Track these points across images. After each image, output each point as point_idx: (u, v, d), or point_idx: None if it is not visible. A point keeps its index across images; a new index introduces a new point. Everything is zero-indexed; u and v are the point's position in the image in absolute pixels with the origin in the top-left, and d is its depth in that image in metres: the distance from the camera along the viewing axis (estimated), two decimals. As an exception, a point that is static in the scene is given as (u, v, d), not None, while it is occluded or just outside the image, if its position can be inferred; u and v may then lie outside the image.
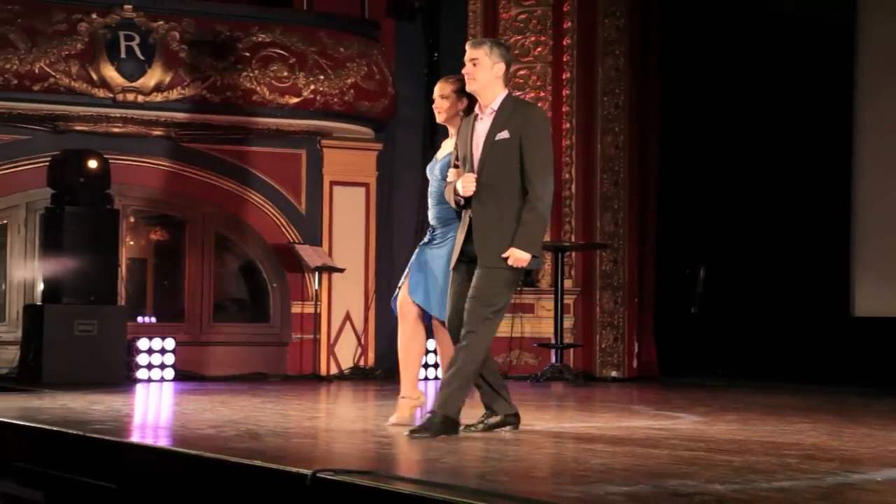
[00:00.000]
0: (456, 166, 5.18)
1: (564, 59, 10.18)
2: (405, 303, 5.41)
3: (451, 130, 5.43)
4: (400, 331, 5.46)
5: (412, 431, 4.95)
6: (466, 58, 5.16)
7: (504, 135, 5.05)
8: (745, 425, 5.81)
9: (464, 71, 5.17)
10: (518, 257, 5.03)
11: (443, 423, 4.92)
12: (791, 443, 5.00)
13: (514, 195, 5.02)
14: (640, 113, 10.14)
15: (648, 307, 10.14)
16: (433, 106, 5.46)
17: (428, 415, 5.04)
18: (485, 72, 5.09)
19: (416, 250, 5.49)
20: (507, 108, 5.10)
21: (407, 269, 5.48)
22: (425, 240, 5.48)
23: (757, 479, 3.77)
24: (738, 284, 10.04)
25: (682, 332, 10.28)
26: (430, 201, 5.48)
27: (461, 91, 5.33)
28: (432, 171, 5.49)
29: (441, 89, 5.40)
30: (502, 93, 5.14)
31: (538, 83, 10.23)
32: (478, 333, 4.99)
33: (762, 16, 9.75)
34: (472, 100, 5.25)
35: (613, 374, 9.95)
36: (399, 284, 5.51)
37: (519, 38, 10.27)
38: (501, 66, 5.13)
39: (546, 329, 9.88)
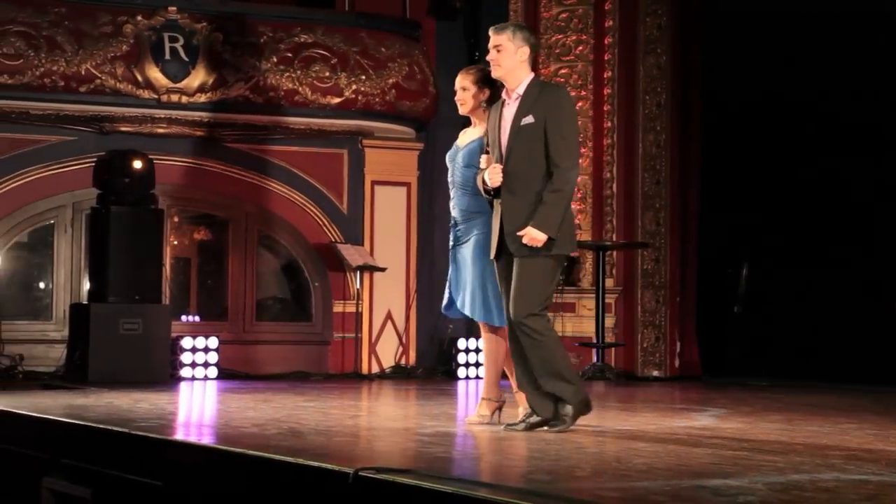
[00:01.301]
0: (487, 152, 5.15)
1: (606, 58, 10.15)
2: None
3: (474, 121, 5.41)
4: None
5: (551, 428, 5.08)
6: (490, 44, 5.13)
7: (529, 119, 5.02)
8: (788, 425, 5.76)
9: (488, 58, 5.14)
10: (533, 236, 4.96)
11: (574, 413, 5.07)
12: (835, 443, 4.95)
13: (541, 180, 4.99)
14: (682, 111, 10.09)
15: (690, 306, 10.08)
16: (455, 98, 5.42)
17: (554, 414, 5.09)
18: (509, 57, 5.06)
19: (450, 256, 5.48)
20: (533, 92, 5.06)
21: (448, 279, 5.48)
22: (451, 242, 5.46)
23: (801, 480, 3.74)
24: (782, 283, 9.96)
25: (725, 332, 10.21)
26: (453, 192, 5.45)
27: (482, 81, 5.31)
28: (454, 159, 5.44)
29: (462, 81, 5.37)
30: (528, 77, 5.09)
31: (579, 82, 10.20)
32: (530, 334, 4.98)
33: (807, 10, 9.66)
34: (494, 90, 5.24)
35: (655, 373, 9.91)
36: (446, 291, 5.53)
37: (560, 36, 10.25)
38: (525, 50, 5.08)
39: (587, 328, 9.86)
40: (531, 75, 5.12)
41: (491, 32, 5.18)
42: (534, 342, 4.99)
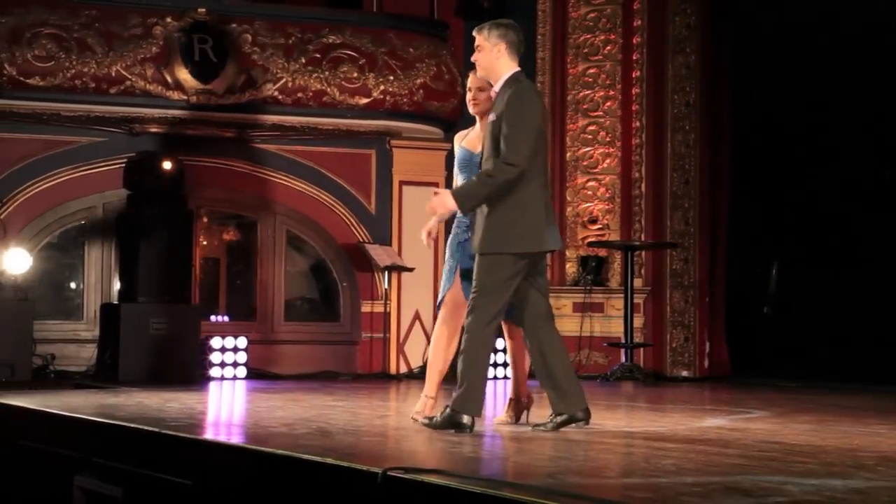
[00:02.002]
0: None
1: (634, 58, 10.13)
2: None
3: (479, 124, 5.37)
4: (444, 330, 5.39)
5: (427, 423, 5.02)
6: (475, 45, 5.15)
7: (492, 116, 5.01)
8: (819, 426, 5.72)
9: (472, 58, 5.15)
10: (440, 199, 4.95)
11: (451, 421, 4.94)
12: (867, 445, 4.91)
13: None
14: (711, 111, 10.05)
15: (720, 306, 10.04)
16: (468, 98, 5.38)
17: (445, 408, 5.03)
18: (486, 55, 5.04)
19: (457, 248, 5.40)
20: (504, 88, 5.01)
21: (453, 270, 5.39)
22: (461, 236, 5.41)
23: (832, 481, 3.72)
24: (812, 283, 9.90)
25: (755, 332, 10.16)
26: None
27: None
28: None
29: (479, 81, 5.31)
30: (506, 73, 5.02)
31: (607, 82, 10.18)
32: (467, 324, 4.97)
33: (837, 8, 9.61)
34: None
35: (684, 373, 9.88)
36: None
37: (588, 36, 10.23)
38: (501, 47, 5.02)
39: (616, 328, 9.84)
40: (511, 72, 5.03)
41: (473, 33, 5.18)
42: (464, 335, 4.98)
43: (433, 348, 5.44)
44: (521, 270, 4.96)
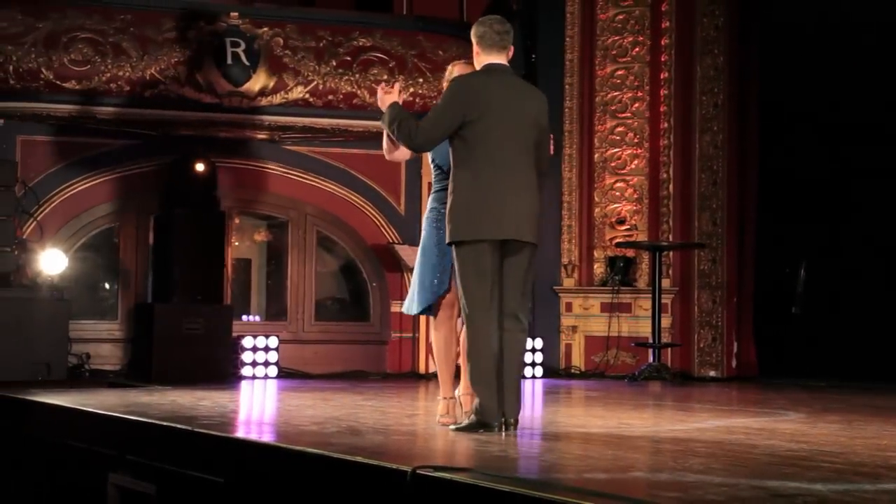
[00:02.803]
0: None
1: (662, 59, 10.13)
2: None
3: None
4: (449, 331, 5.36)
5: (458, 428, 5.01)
6: None
7: None
8: (848, 426, 5.69)
9: None
10: (382, 98, 5.10)
11: (477, 425, 4.93)
12: (896, 444, 4.92)
13: (452, 171, 4.99)
14: (739, 111, 10.04)
15: (748, 307, 10.02)
16: None
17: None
18: (474, 56, 5.11)
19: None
20: None
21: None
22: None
23: (861, 481, 3.71)
24: (840, 283, 9.86)
25: (783, 332, 10.13)
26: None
27: None
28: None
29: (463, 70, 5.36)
30: (479, 69, 5.08)
31: (636, 83, 10.19)
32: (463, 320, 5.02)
33: (866, 7, 9.56)
34: None
35: (712, 373, 9.87)
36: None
37: (616, 38, 10.24)
38: (475, 44, 5.08)
39: (643, 328, 9.85)
40: (481, 66, 5.06)
41: None
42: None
43: (436, 353, 5.44)
44: (484, 255, 4.89)
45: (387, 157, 5.53)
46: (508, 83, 5.05)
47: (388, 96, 5.11)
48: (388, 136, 5.27)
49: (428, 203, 5.41)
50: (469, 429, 4.94)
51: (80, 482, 5.62)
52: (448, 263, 5.16)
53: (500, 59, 5.06)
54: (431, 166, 5.39)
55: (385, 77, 9.61)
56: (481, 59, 5.06)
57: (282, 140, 9.83)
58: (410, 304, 5.37)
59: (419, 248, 5.39)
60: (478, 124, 4.91)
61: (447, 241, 4.99)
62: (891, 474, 3.92)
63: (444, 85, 5.34)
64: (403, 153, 5.42)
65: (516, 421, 4.98)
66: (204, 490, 4.62)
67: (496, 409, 4.90)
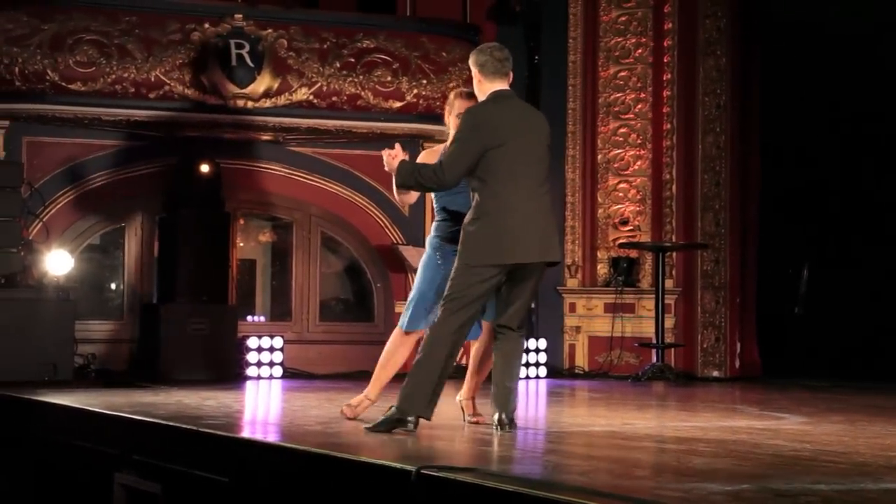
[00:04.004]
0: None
1: (665, 60, 10.14)
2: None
3: None
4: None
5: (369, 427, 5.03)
6: None
7: None
8: (851, 426, 5.70)
9: None
10: (390, 162, 5.12)
11: (393, 419, 4.98)
12: (898, 444, 4.93)
13: (475, 198, 5.07)
14: (741, 112, 10.05)
15: (750, 307, 10.04)
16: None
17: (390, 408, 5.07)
18: (474, 84, 5.21)
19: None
20: None
21: None
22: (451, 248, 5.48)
23: (864, 481, 3.72)
24: (843, 284, 9.88)
25: (786, 333, 10.14)
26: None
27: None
28: None
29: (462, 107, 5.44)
30: (483, 97, 5.17)
31: (638, 84, 10.21)
32: (432, 325, 5.10)
33: (869, 9, 9.58)
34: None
35: (715, 373, 9.88)
36: None
37: (619, 39, 10.26)
38: (475, 72, 5.18)
39: (647, 329, 9.86)
40: (485, 93, 5.15)
41: None
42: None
43: (385, 356, 5.62)
44: (492, 280, 5.00)
45: (402, 205, 5.71)
46: (517, 108, 5.19)
47: (394, 160, 5.17)
48: (400, 188, 5.34)
49: (432, 229, 5.53)
50: (382, 426, 4.99)
51: (86, 482, 5.65)
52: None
53: (503, 84, 5.17)
54: (433, 197, 5.51)
55: (388, 78, 9.63)
56: (485, 86, 5.16)
57: (286, 141, 9.86)
58: (405, 320, 5.50)
59: (420, 266, 5.49)
60: (497, 152, 5.02)
61: (464, 261, 5.03)
62: (894, 474, 3.93)
63: (447, 115, 5.49)
64: (415, 195, 5.56)
65: (512, 420, 5.04)
66: (209, 489, 4.64)
67: (419, 409, 4.99)
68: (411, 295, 5.50)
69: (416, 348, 5.33)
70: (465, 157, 5.02)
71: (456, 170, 5.03)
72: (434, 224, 5.54)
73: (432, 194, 5.50)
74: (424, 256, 5.50)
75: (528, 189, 5.05)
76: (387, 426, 4.97)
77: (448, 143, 5.29)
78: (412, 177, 5.10)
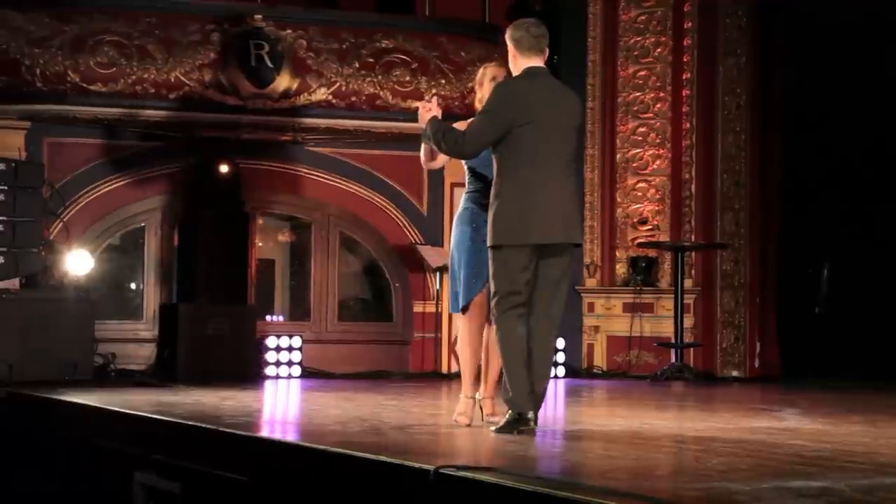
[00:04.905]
0: None
1: (684, 60, 10.12)
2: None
3: None
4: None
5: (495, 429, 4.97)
6: None
7: None
8: (871, 427, 5.68)
9: None
10: (423, 115, 5.14)
11: (514, 420, 4.92)
12: (919, 445, 4.91)
13: (495, 177, 5.02)
14: (762, 112, 10.02)
15: (770, 307, 10.01)
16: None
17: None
18: (509, 59, 5.15)
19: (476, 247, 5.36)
20: None
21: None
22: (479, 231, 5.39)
23: (885, 482, 3.70)
24: (864, 284, 9.83)
25: (806, 333, 10.10)
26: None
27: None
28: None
29: (500, 73, 5.40)
30: (517, 72, 5.10)
31: (657, 84, 10.19)
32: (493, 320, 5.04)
33: (890, 7, 9.52)
34: None
35: (734, 373, 9.86)
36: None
37: (638, 39, 10.24)
38: (511, 46, 5.12)
39: (666, 328, 9.84)
40: (519, 69, 5.09)
41: None
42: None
43: (461, 352, 5.48)
44: (525, 260, 4.92)
45: (424, 167, 5.68)
46: (550, 86, 5.10)
47: (428, 112, 5.18)
48: (428, 147, 5.34)
49: (461, 202, 5.47)
50: (506, 427, 4.93)
51: (106, 481, 5.67)
52: (484, 262, 5.18)
53: (539, 61, 5.10)
54: (465, 168, 5.44)
55: (407, 78, 9.65)
56: (519, 62, 5.09)
57: (305, 141, 9.88)
58: (453, 303, 5.40)
59: (452, 246, 5.43)
60: (525, 129, 4.95)
61: (490, 243, 5.00)
62: (914, 474, 3.91)
63: (477, 86, 5.41)
64: (440, 161, 5.52)
65: (535, 419, 4.99)
66: (229, 489, 4.66)
67: (529, 405, 4.91)
68: (453, 277, 5.39)
69: (481, 328, 5.26)
70: (491, 130, 4.97)
71: (479, 141, 4.99)
72: (464, 197, 5.45)
73: (464, 163, 5.42)
74: (456, 234, 5.40)
75: (552, 169, 4.97)
76: (511, 427, 4.91)
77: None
78: (437, 133, 5.07)
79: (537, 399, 4.96)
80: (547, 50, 5.13)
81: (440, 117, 5.20)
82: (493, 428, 5.00)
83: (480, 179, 5.35)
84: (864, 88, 9.75)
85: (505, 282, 4.93)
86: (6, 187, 8.31)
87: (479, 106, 5.43)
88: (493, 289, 4.98)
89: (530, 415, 4.89)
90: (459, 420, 5.33)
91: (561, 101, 5.09)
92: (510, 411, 4.93)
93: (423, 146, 5.42)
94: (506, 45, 5.21)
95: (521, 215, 4.91)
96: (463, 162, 5.43)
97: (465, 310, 5.32)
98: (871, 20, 9.63)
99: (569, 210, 5.01)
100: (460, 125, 5.32)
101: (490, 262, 5.01)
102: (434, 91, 9.67)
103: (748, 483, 3.59)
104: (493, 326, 5.03)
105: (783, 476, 3.79)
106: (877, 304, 9.71)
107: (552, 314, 5.01)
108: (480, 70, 5.55)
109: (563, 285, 5.06)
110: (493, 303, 4.98)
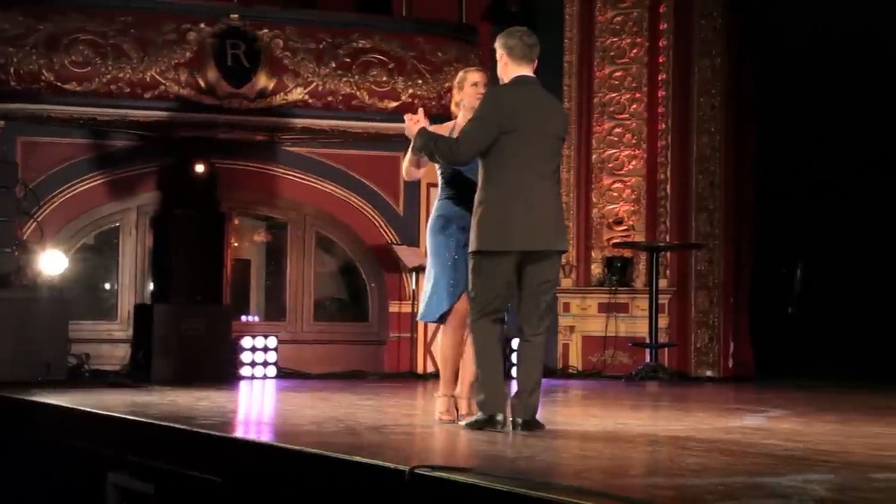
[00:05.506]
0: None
1: (660, 61, 10.16)
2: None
3: (462, 116, 5.43)
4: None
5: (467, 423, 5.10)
6: None
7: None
8: (843, 426, 5.71)
9: None
10: (410, 127, 5.16)
11: (484, 420, 5.03)
12: (892, 444, 4.92)
13: (480, 182, 5.07)
14: (736, 113, 10.08)
15: (744, 307, 10.07)
16: (474, 93, 5.41)
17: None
18: (498, 66, 5.18)
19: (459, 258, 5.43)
20: None
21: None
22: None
23: (856, 480, 3.72)
24: (837, 284, 9.90)
25: (779, 332, 10.17)
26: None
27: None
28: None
29: (486, 79, 5.45)
30: (507, 79, 5.14)
31: (633, 84, 10.23)
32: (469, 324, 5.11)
33: (863, 11, 9.60)
34: None
35: (708, 373, 9.91)
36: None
37: (615, 39, 10.28)
38: (502, 53, 5.14)
39: (641, 328, 9.88)
40: (511, 77, 5.12)
41: None
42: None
43: (441, 355, 5.51)
44: (508, 266, 4.98)
45: (407, 178, 5.69)
46: (539, 96, 5.15)
47: (416, 125, 5.21)
48: (415, 159, 5.38)
49: (434, 209, 5.51)
50: (475, 425, 5.02)
51: (80, 482, 5.64)
52: (462, 270, 5.23)
53: (529, 70, 5.14)
54: (438, 174, 5.47)
55: (384, 78, 9.66)
56: (510, 70, 5.13)
57: (281, 141, 9.86)
58: (427, 311, 5.43)
59: (429, 255, 5.47)
60: (512, 136, 5.00)
61: (472, 248, 5.03)
62: (886, 473, 3.94)
63: (455, 89, 5.47)
64: (423, 172, 5.58)
65: (525, 422, 5.04)
66: (202, 490, 4.64)
67: (500, 408, 5.00)
68: (427, 286, 5.44)
69: (462, 332, 5.31)
70: (483, 135, 5.01)
71: (473, 147, 5.03)
72: (436, 205, 5.49)
73: (437, 169, 5.46)
74: (431, 244, 5.44)
75: (537, 176, 5.02)
76: (479, 425, 5.01)
77: (459, 120, 5.29)
78: (429, 144, 5.11)
79: (531, 406, 5.03)
80: (537, 60, 5.18)
81: (428, 127, 5.21)
82: (463, 422, 5.12)
83: (454, 186, 5.40)
84: (838, 89, 9.82)
85: (484, 287, 4.99)
86: (-21, 187, 8.26)
87: (455, 108, 5.46)
88: (471, 293, 5.03)
89: (500, 417, 4.98)
90: (445, 418, 5.41)
91: (549, 111, 5.14)
92: (480, 412, 5.01)
93: (407, 159, 5.45)
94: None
95: (506, 221, 4.96)
96: (437, 168, 5.45)
97: (443, 318, 5.37)
98: (844, 21, 9.70)
99: (554, 217, 5.07)
100: (438, 129, 5.35)
101: (470, 267, 5.05)
102: (411, 91, 9.69)
103: (722, 483, 3.60)
104: (469, 330, 5.07)
105: (756, 475, 3.81)
106: (849, 304, 9.78)
107: (541, 320, 5.07)
108: (460, 73, 5.58)
109: (550, 290, 5.12)
110: (471, 307, 5.04)
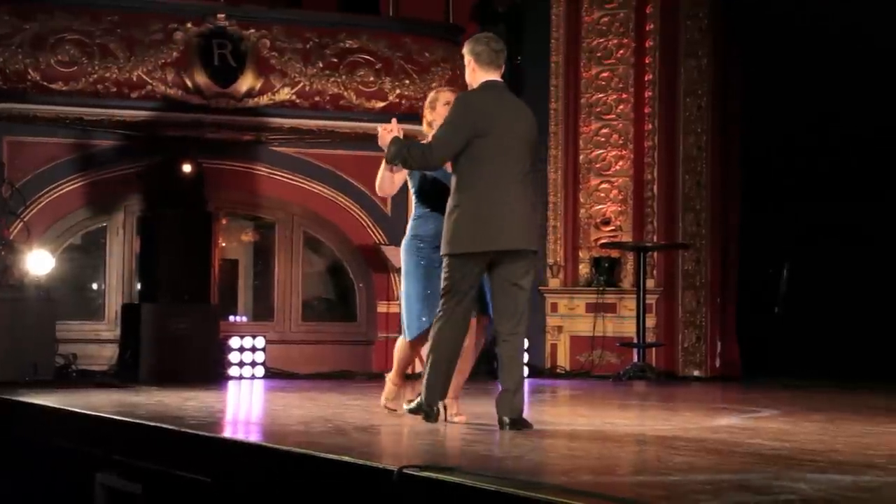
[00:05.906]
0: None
1: (647, 61, 10.19)
2: None
3: None
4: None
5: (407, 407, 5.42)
6: None
7: None
8: (830, 425, 5.73)
9: None
10: (384, 137, 5.24)
11: (422, 409, 5.28)
12: (878, 443, 4.92)
13: (453, 187, 5.13)
14: (722, 113, 10.11)
15: (731, 307, 10.10)
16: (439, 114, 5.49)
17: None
18: (466, 72, 5.25)
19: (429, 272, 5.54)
20: None
21: None
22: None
23: (842, 479, 3.73)
24: (823, 284, 9.95)
25: (766, 332, 10.21)
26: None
27: None
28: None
29: (449, 97, 5.51)
30: (476, 85, 5.21)
31: (620, 85, 10.25)
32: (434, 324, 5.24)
33: (850, 12, 9.64)
34: None
35: (696, 373, 9.94)
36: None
37: (601, 40, 10.30)
38: (469, 60, 5.22)
39: (628, 328, 9.90)
40: (478, 82, 5.19)
41: None
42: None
43: (398, 356, 5.78)
44: (477, 267, 5.07)
45: (380, 193, 5.78)
46: (506, 100, 5.22)
47: (389, 134, 5.27)
48: (389, 173, 5.47)
49: (408, 228, 5.59)
50: (415, 411, 5.36)
51: (67, 482, 5.63)
52: (434, 293, 5.30)
53: (496, 76, 5.22)
54: (412, 192, 5.57)
55: (371, 78, 9.66)
56: (478, 75, 5.20)
57: (268, 141, 9.86)
58: (409, 330, 5.59)
59: (402, 275, 5.57)
60: (484, 140, 5.06)
61: (444, 251, 5.09)
62: (873, 472, 3.95)
63: (427, 109, 5.57)
64: (397, 186, 5.67)
65: (513, 421, 5.06)
66: (191, 490, 4.63)
67: (438, 399, 5.25)
68: (403, 305, 5.54)
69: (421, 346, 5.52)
70: (455, 139, 5.06)
71: (444, 151, 5.09)
72: (410, 224, 5.58)
73: (410, 186, 5.52)
74: (405, 264, 5.54)
75: (509, 179, 5.07)
76: (418, 412, 5.32)
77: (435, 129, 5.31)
78: (402, 151, 5.17)
79: (516, 405, 5.09)
80: (504, 66, 5.25)
81: (402, 137, 5.26)
82: (405, 406, 5.45)
83: (427, 200, 5.49)
84: (824, 90, 9.86)
85: (453, 284, 5.08)
86: (-35, 186, 8.24)
87: (427, 128, 5.53)
88: (442, 288, 5.14)
89: (436, 409, 5.24)
90: (390, 406, 5.73)
91: (517, 115, 5.21)
92: (420, 398, 5.28)
93: (380, 173, 5.52)
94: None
95: (480, 223, 5.02)
96: (409, 184, 5.54)
97: (414, 340, 5.56)
98: (832, 23, 9.74)
99: (527, 218, 5.14)
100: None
101: (444, 266, 5.13)
102: (398, 91, 9.70)
103: (709, 481, 3.60)
104: (436, 320, 5.16)
105: (743, 473, 3.82)
106: (836, 303, 9.82)
107: (519, 321, 5.12)
108: (432, 94, 5.69)
109: (525, 288, 5.15)
110: (441, 302, 5.13)
